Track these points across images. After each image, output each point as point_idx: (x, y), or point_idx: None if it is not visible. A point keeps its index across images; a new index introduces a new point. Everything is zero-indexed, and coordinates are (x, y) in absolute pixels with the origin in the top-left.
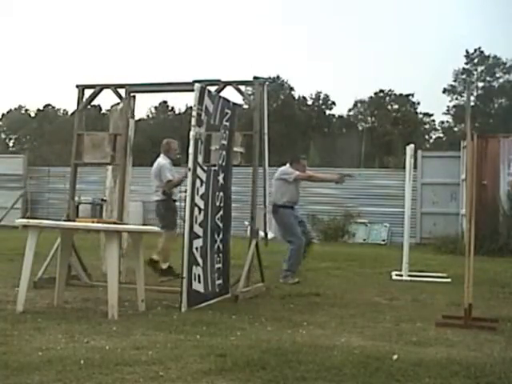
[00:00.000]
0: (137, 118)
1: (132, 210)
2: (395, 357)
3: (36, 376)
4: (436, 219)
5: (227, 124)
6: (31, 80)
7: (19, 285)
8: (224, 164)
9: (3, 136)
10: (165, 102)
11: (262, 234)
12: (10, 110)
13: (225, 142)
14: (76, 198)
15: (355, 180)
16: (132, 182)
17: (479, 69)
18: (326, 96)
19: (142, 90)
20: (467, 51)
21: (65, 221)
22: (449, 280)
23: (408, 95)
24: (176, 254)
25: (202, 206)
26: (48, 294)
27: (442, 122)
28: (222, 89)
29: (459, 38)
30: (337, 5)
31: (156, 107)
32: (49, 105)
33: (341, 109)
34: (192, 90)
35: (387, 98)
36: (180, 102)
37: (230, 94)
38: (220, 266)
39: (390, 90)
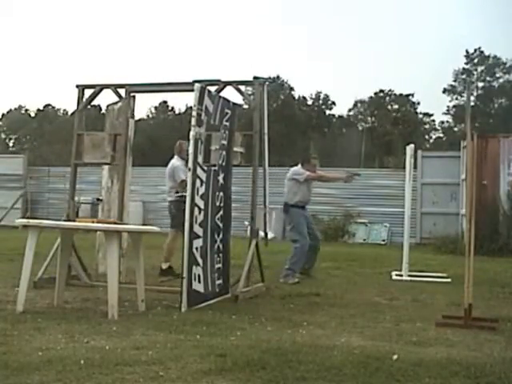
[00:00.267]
0: (137, 118)
1: (132, 209)
2: (395, 357)
3: (36, 376)
4: (436, 219)
5: (227, 124)
6: (31, 80)
7: (19, 285)
8: (224, 164)
9: (3, 136)
10: (165, 102)
11: (262, 234)
12: (10, 109)
13: (225, 142)
14: (76, 199)
15: (355, 180)
16: (132, 181)
17: (479, 69)
18: (326, 96)
19: (141, 89)
20: (467, 51)
21: (65, 221)
22: (449, 280)
23: (408, 95)
24: (176, 254)
25: (202, 206)
26: (48, 294)
27: (442, 122)
28: (222, 89)
29: (459, 37)
30: (337, 5)
31: (156, 107)
32: (49, 105)
33: (341, 109)
34: (192, 90)
35: (387, 98)
36: (180, 102)
37: (230, 93)
38: (220, 266)
39: (389, 90)
